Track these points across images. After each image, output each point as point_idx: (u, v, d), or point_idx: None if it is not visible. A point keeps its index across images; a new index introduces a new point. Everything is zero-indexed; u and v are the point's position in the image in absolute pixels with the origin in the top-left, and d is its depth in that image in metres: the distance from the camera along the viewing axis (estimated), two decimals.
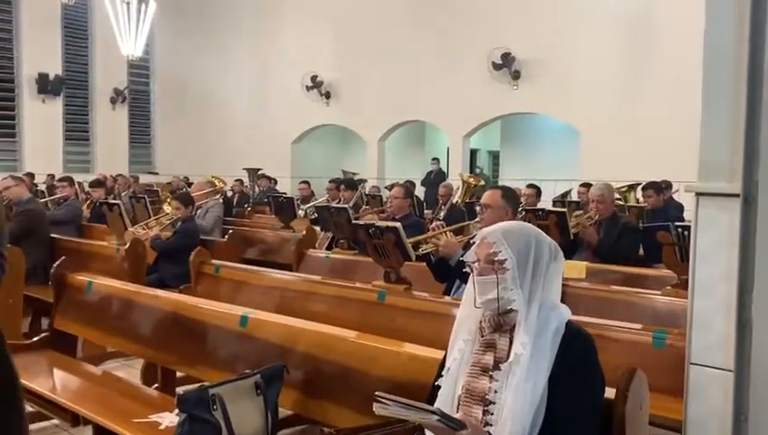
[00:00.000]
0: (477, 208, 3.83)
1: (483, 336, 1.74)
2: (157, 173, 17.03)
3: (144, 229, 5.93)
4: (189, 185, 10.76)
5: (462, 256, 3.49)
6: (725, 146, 1.74)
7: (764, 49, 1.68)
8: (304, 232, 5.90)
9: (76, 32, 16.48)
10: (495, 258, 1.70)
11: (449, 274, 3.72)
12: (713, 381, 1.77)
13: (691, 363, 1.81)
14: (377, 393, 1.52)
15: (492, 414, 1.64)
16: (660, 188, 7.16)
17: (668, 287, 3.71)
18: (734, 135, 1.72)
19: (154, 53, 17.66)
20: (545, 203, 8.49)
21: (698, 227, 1.78)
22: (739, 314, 1.72)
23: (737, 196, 1.71)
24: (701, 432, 1.78)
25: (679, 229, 3.63)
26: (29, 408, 3.43)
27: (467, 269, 1.78)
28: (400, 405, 1.50)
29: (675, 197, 8.19)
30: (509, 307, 1.69)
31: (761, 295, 1.70)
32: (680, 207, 7.54)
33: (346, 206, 6.25)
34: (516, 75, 12.27)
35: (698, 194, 1.77)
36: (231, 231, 6.45)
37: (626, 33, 11.20)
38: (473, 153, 15.09)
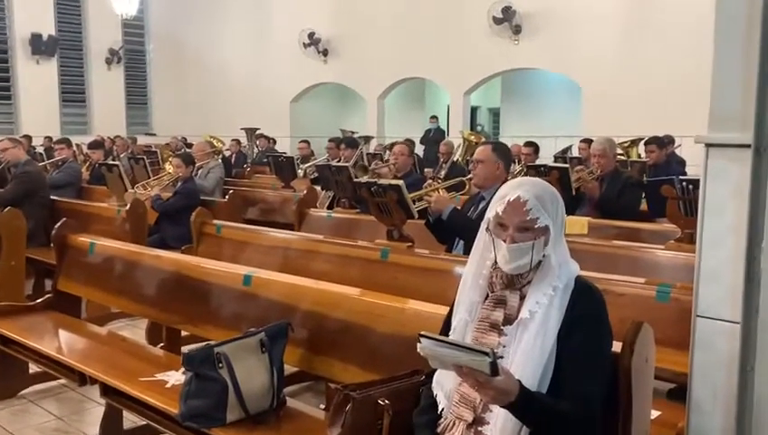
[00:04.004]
0: (470, 165, 3.80)
1: (492, 292, 1.73)
2: (154, 134, 16.90)
3: (144, 189, 5.90)
4: (188, 145, 10.69)
5: (452, 210, 3.49)
6: (737, 96, 1.70)
7: None
8: (305, 191, 5.87)
9: None
10: (535, 225, 1.64)
11: (446, 232, 3.69)
12: (719, 334, 1.77)
13: (698, 316, 1.80)
14: (421, 333, 1.42)
15: None
16: (663, 142, 7.10)
17: (671, 242, 3.70)
18: (746, 85, 1.68)
19: (148, 12, 17.34)
20: (546, 160, 8.43)
21: (707, 178, 1.75)
22: (748, 267, 1.70)
23: (748, 147, 1.68)
24: (707, 382, 1.79)
25: (684, 183, 3.60)
26: (36, 368, 3.48)
27: (486, 232, 1.71)
28: (448, 346, 1.38)
29: (677, 151, 8.14)
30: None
31: None
32: (682, 162, 7.49)
33: (347, 164, 6.20)
34: (517, 30, 12.05)
35: (708, 145, 1.74)
36: (231, 191, 6.42)
37: None
38: (473, 111, 14.92)
